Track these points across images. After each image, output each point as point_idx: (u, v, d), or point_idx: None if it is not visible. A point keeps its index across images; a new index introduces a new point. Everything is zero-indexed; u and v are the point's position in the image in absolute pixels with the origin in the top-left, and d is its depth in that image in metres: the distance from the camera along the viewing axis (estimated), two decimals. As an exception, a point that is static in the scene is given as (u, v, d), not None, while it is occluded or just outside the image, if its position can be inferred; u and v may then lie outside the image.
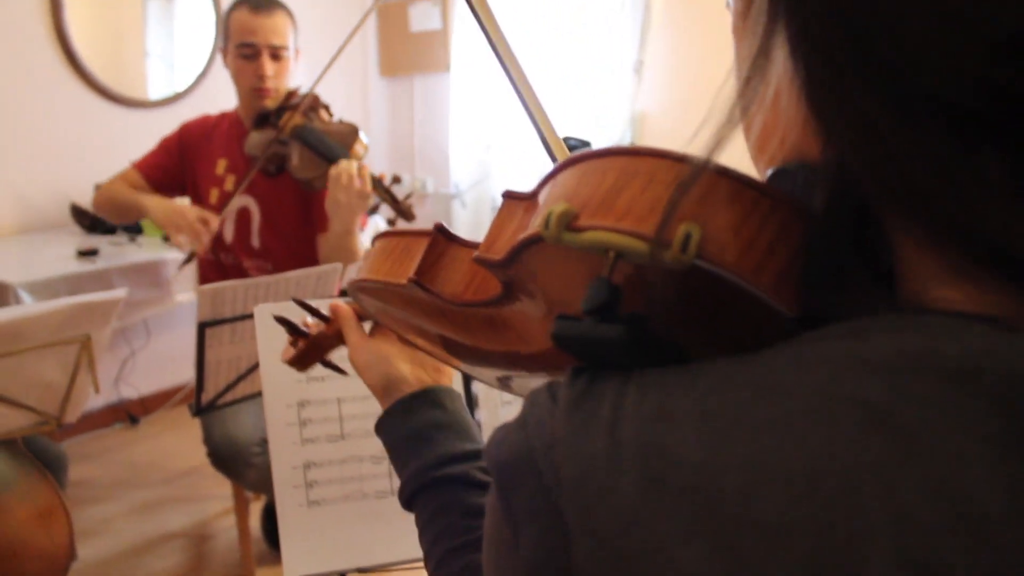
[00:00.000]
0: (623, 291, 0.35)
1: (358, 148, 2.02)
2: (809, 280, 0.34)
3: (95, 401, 3.07)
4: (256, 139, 2.04)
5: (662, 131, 3.22)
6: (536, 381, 0.58)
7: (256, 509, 2.38)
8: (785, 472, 0.29)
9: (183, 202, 2.56)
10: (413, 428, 0.73)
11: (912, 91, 0.31)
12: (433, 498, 0.70)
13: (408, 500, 0.72)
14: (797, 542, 0.28)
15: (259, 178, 2.05)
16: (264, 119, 2.08)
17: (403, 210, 1.98)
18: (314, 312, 0.88)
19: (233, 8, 2.10)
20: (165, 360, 3.23)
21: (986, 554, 0.26)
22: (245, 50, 2.06)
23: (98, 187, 2.83)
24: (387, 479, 1.13)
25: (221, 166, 2.16)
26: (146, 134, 2.56)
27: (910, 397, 0.29)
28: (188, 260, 2.20)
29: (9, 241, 2.77)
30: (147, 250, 2.64)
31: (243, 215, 2.16)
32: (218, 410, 1.82)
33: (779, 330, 0.34)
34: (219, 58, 2.21)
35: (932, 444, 0.28)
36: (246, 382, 1.78)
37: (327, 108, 2.12)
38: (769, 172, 0.41)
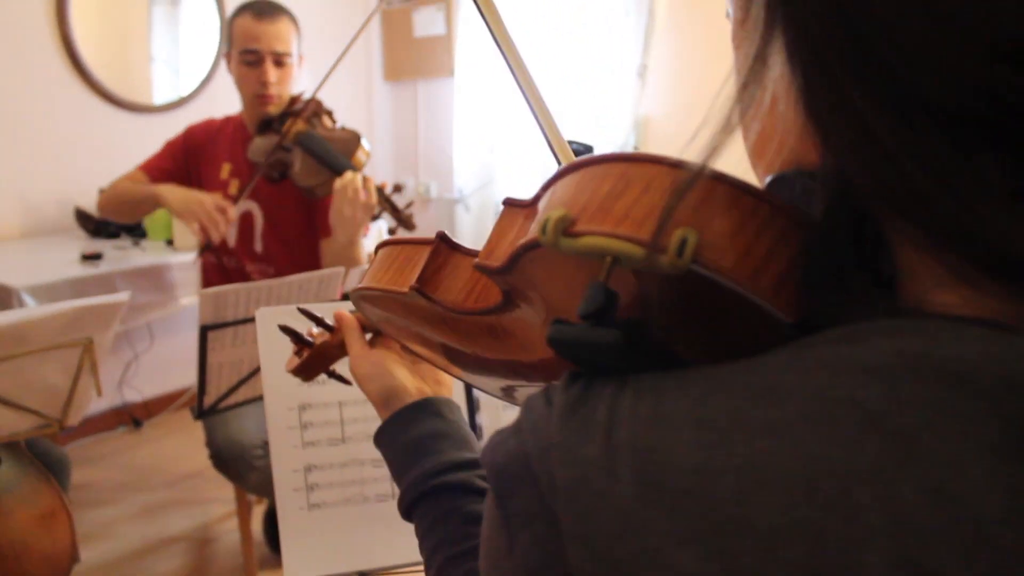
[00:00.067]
0: (621, 297, 0.35)
1: (360, 155, 2.03)
2: (808, 286, 0.34)
3: (98, 404, 3.08)
4: (259, 145, 2.05)
5: (666, 135, 3.22)
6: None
7: (258, 513, 2.38)
8: (781, 476, 0.29)
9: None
10: (412, 438, 0.73)
11: (910, 95, 0.31)
12: (433, 506, 0.70)
13: (407, 509, 0.72)
14: (793, 546, 0.28)
15: (262, 183, 2.06)
16: (267, 125, 2.08)
17: (404, 219, 1.99)
18: (318, 321, 0.88)
19: (236, 14, 2.10)
20: (168, 364, 3.23)
21: (984, 557, 0.26)
22: (248, 56, 2.06)
23: (102, 191, 2.85)
24: (388, 483, 1.13)
25: (225, 170, 2.16)
26: (151, 139, 2.56)
27: (908, 400, 0.29)
28: (204, 250, 2.19)
29: (13, 245, 2.78)
30: (151, 254, 2.65)
31: (246, 219, 2.17)
32: (220, 413, 1.82)
33: (778, 336, 0.34)
34: (223, 63, 2.21)
35: (930, 447, 0.28)
36: (248, 385, 1.78)
37: (330, 114, 2.12)
38: (768, 179, 0.41)
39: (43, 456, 1.65)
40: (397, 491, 1.13)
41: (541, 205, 0.42)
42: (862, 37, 0.32)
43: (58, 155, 2.94)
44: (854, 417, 0.29)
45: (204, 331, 1.61)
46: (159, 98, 3.27)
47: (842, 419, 0.29)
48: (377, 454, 1.13)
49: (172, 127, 2.38)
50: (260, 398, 1.78)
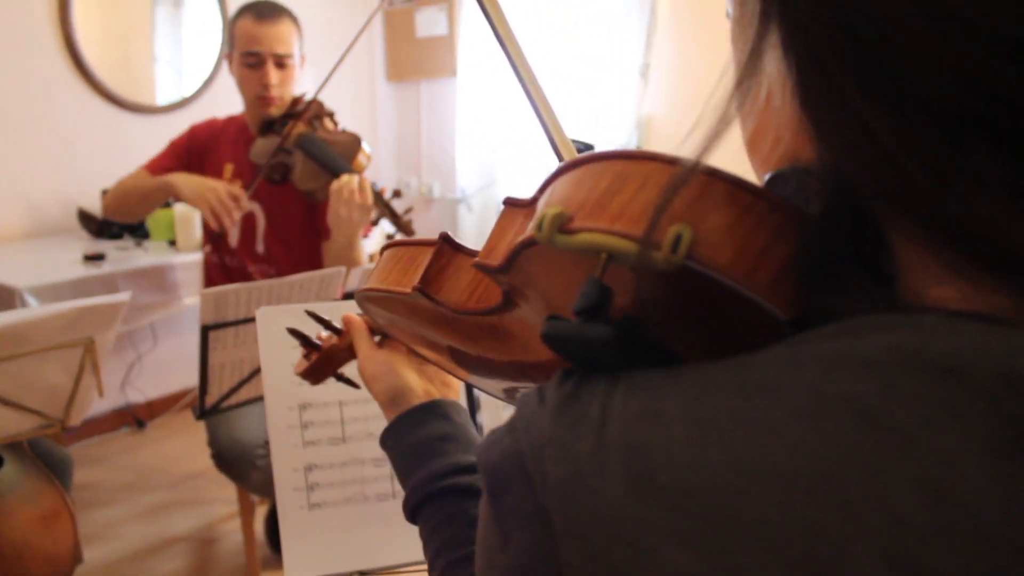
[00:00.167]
0: (617, 294, 0.35)
1: (361, 158, 2.03)
2: (806, 283, 0.34)
3: (102, 405, 3.09)
4: (261, 147, 2.05)
5: (668, 134, 3.22)
6: None
7: (261, 513, 2.39)
8: (774, 472, 0.29)
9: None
10: (418, 440, 0.73)
11: (908, 93, 0.31)
12: (438, 509, 0.70)
13: (412, 511, 0.72)
14: (786, 543, 0.28)
15: (264, 185, 2.06)
16: (269, 126, 2.09)
17: (402, 225, 1.99)
18: (326, 324, 0.88)
19: (238, 15, 2.09)
20: (171, 364, 3.24)
21: (981, 555, 0.26)
22: (249, 59, 2.06)
23: (106, 192, 2.85)
24: (388, 482, 1.13)
25: (228, 171, 2.17)
26: (153, 139, 2.57)
27: (903, 396, 0.29)
28: (215, 238, 2.18)
29: (16, 245, 2.79)
30: (153, 254, 2.65)
31: (248, 220, 2.17)
32: (222, 413, 1.82)
33: (775, 333, 0.34)
34: (225, 63, 2.21)
35: (926, 444, 0.28)
36: (250, 385, 1.78)
37: (331, 116, 2.12)
38: (767, 176, 0.41)
39: (45, 456, 1.65)
40: (397, 491, 1.14)
41: (540, 204, 0.42)
42: (859, 35, 0.32)
43: (61, 156, 2.95)
44: (849, 413, 0.29)
45: (205, 331, 1.61)
46: (162, 99, 3.27)
47: (837, 415, 0.29)
48: (377, 453, 1.14)
49: (175, 127, 2.38)
50: (262, 398, 1.78)
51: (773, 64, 0.36)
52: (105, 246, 2.69)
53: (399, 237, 2.06)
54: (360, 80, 4.07)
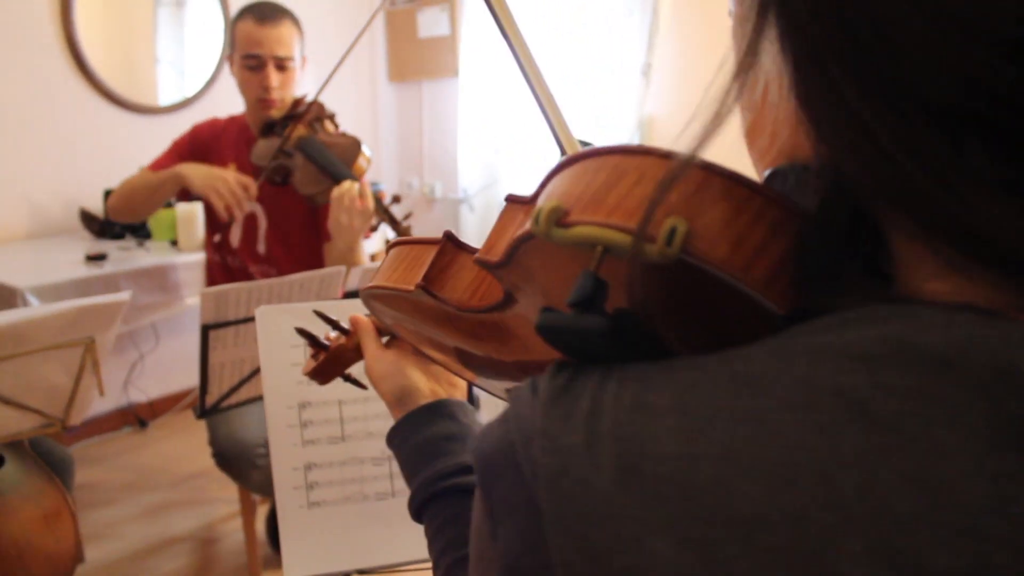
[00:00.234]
0: (613, 288, 0.35)
1: (361, 162, 2.04)
2: (803, 279, 0.34)
3: (104, 405, 3.09)
4: (262, 149, 2.05)
5: (670, 135, 3.21)
6: None
7: (262, 513, 2.39)
8: (761, 464, 0.29)
9: (197, 206, 2.58)
10: (424, 439, 0.73)
11: (905, 91, 0.31)
12: (443, 508, 0.70)
13: (418, 510, 0.72)
14: (771, 534, 0.28)
15: (266, 186, 2.06)
16: (270, 128, 2.09)
17: (402, 231, 1.99)
18: (334, 324, 0.89)
19: (239, 17, 2.09)
20: (173, 364, 3.24)
21: (968, 546, 0.26)
22: (250, 61, 2.06)
23: (108, 192, 2.86)
24: (388, 481, 1.13)
25: (230, 171, 2.17)
26: (156, 140, 2.57)
27: (895, 389, 0.29)
28: (225, 227, 2.17)
29: (19, 246, 2.79)
30: (155, 254, 2.65)
31: (250, 221, 2.17)
32: (223, 412, 1.82)
33: (771, 328, 0.34)
34: (227, 64, 2.22)
35: (913, 435, 0.28)
36: (250, 384, 1.78)
37: (332, 118, 2.12)
38: (766, 173, 0.41)
39: (46, 455, 1.65)
40: (396, 490, 1.14)
41: (540, 200, 0.42)
42: (858, 34, 0.32)
43: (63, 156, 2.95)
44: (837, 405, 0.29)
45: (205, 330, 1.61)
46: (164, 99, 3.28)
47: (825, 407, 0.29)
48: (377, 453, 1.14)
49: (177, 128, 2.38)
50: (262, 397, 1.79)
51: (770, 60, 0.36)
52: (107, 246, 2.70)
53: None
54: (362, 80, 4.08)
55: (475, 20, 3.65)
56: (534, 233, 0.38)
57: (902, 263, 0.35)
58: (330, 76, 2.01)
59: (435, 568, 0.70)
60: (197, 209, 2.62)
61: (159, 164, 2.21)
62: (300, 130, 2.02)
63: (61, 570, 1.60)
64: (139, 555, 2.38)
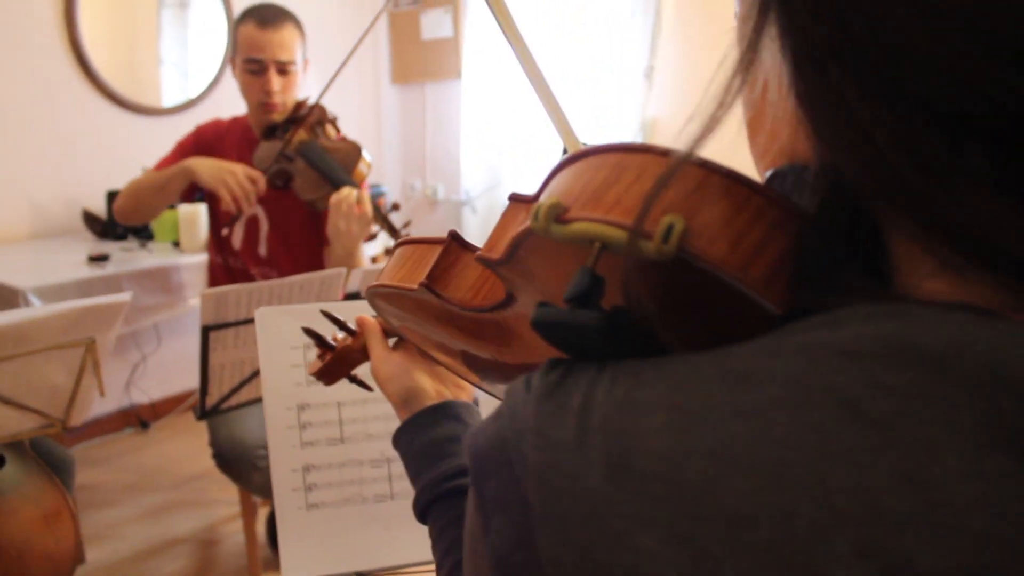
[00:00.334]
0: (611, 285, 0.35)
1: (361, 167, 2.04)
2: (801, 279, 0.34)
3: (106, 406, 3.10)
4: (263, 152, 2.06)
5: (673, 137, 3.20)
6: None
7: (262, 515, 2.39)
8: (751, 461, 0.29)
9: (200, 207, 2.58)
10: (430, 440, 0.74)
11: (904, 93, 0.31)
12: (446, 510, 0.70)
13: (422, 511, 0.73)
14: (759, 532, 0.28)
15: (268, 189, 2.06)
16: (272, 132, 2.09)
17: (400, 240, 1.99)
18: (340, 325, 0.89)
19: (241, 20, 2.08)
20: (175, 365, 3.25)
21: (957, 545, 0.26)
22: (252, 65, 2.05)
23: (111, 193, 2.86)
24: (386, 483, 1.13)
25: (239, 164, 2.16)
26: (159, 141, 2.58)
27: (886, 387, 0.28)
28: (233, 220, 2.16)
29: (21, 246, 2.80)
30: (157, 255, 2.66)
31: (252, 223, 2.17)
32: (224, 414, 1.82)
33: (769, 328, 0.34)
34: (230, 66, 2.22)
35: (905, 433, 0.28)
36: (251, 386, 1.78)
37: (333, 122, 2.12)
38: (768, 173, 0.41)
39: (47, 456, 1.66)
40: (395, 492, 1.13)
41: (541, 197, 0.42)
42: (856, 35, 0.32)
43: (66, 157, 2.96)
44: (829, 402, 0.29)
45: (206, 331, 1.61)
46: (167, 100, 3.29)
47: (817, 404, 0.29)
48: (376, 455, 1.14)
49: (180, 129, 2.39)
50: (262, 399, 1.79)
51: (770, 58, 0.36)
52: (109, 247, 2.70)
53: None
54: (365, 82, 4.08)
55: (478, 22, 3.65)
56: (534, 229, 0.38)
57: (901, 263, 0.34)
58: (332, 79, 2.02)
59: (439, 569, 0.70)
60: (200, 210, 2.62)
61: (164, 165, 2.21)
62: (301, 134, 2.03)
63: (61, 570, 1.60)
64: (140, 556, 2.38)
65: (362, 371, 0.89)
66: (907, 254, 0.34)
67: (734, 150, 0.41)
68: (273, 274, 2.17)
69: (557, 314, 0.36)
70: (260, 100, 2.08)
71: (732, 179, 0.35)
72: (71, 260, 2.51)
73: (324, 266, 2.11)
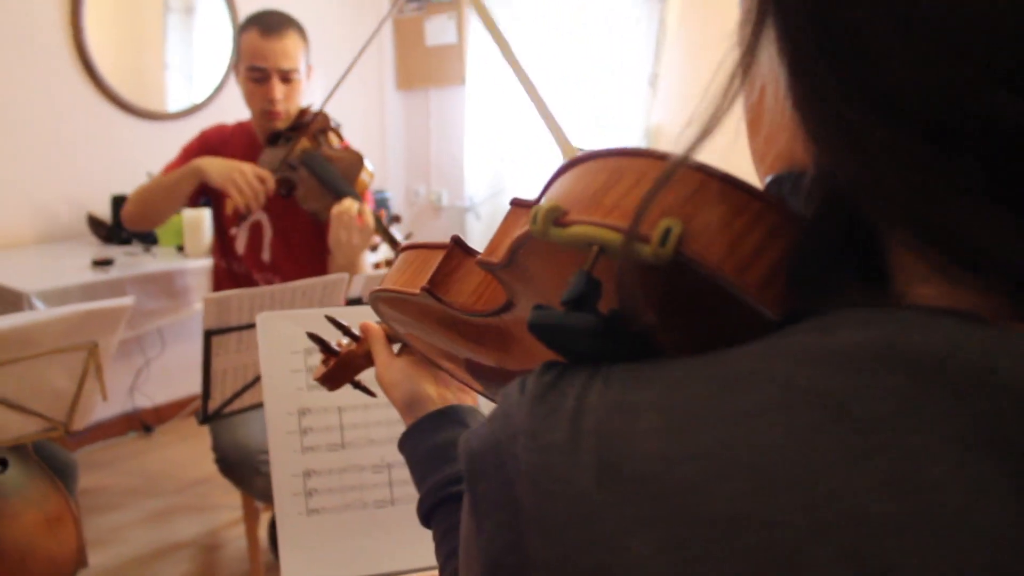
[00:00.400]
0: (609, 288, 0.35)
1: (364, 177, 2.04)
2: (798, 283, 0.34)
3: (109, 410, 3.10)
4: (267, 159, 2.06)
5: (677, 144, 3.22)
6: None
7: (265, 520, 2.39)
8: (738, 465, 0.29)
9: (204, 212, 2.59)
10: (434, 444, 0.74)
11: (892, 102, 0.31)
12: (450, 514, 0.70)
13: (426, 516, 0.73)
14: (744, 536, 0.28)
15: (272, 196, 2.06)
16: (275, 139, 2.10)
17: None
18: (345, 331, 0.89)
19: (244, 28, 2.08)
20: (179, 370, 3.25)
21: (943, 552, 0.26)
22: (255, 73, 2.05)
23: (116, 198, 2.87)
24: (387, 489, 1.13)
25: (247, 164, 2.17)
26: (164, 145, 2.58)
27: (874, 392, 0.29)
28: (242, 219, 2.17)
29: (27, 250, 2.81)
30: (161, 260, 2.67)
31: (256, 229, 2.18)
32: (227, 418, 1.83)
33: (765, 332, 0.34)
34: (234, 73, 2.22)
35: (891, 440, 0.28)
36: (254, 391, 1.79)
37: (336, 131, 2.12)
38: (768, 179, 0.42)
39: (50, 460, 1.66)
40: (396, 498, 1.13)
41: (541, 201, 0.43)
42: (846, 44, 0.32)
43: (71, 161, 2.97)
44: (815, 408, 0.29)
45: (208, 336, 1.61)
46: (172, 105, 3.30)
47: (803, 410, 0.29)
48: (376, 460, 1.13)
49: (185, 134, 2.39)
50: (265, 403, 1.79)
51: (768, 62, 0.37)
52: (114, 251, 2.71)
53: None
54: (370, 88, 4.09)
55: (482, 29, 3.66)
56: (532, 233, 0.38)
57: (896, 268, 0.34)
58: (335, 87, 2.02)
59: (441, 572, 0.70)
60: (204, 215, 2.63)
61: (171, 169, 2.21)
62: (304, 143, 2.03)
63: (63, 574, 1.60)
64: (143, 560, 2.38)
65: (366, 377, 0.89)
66: (902, 259, 0.34)
67: (735, 154, 0.41)
68: (276, 280, 2.17)
69: (553, 317, 0.36)
70: (263, 108, 2.08)
71: (730, 183, 0.35)
72: (75, 264, 2.52)
73: (327, 273, 2.12)
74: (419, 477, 0.74)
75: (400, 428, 0.79)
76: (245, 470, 1.92)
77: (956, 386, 0.28)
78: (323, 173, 2.00)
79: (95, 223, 2.91)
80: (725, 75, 0.36)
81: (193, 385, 3.26)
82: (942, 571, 0.26)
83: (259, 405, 1.84)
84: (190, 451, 3.05)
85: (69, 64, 2.94)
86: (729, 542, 0.28)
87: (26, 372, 1.38)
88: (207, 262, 2.55)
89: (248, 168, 1.99)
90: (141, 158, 3.01)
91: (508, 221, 0.49)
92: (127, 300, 1.47)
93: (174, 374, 3.26)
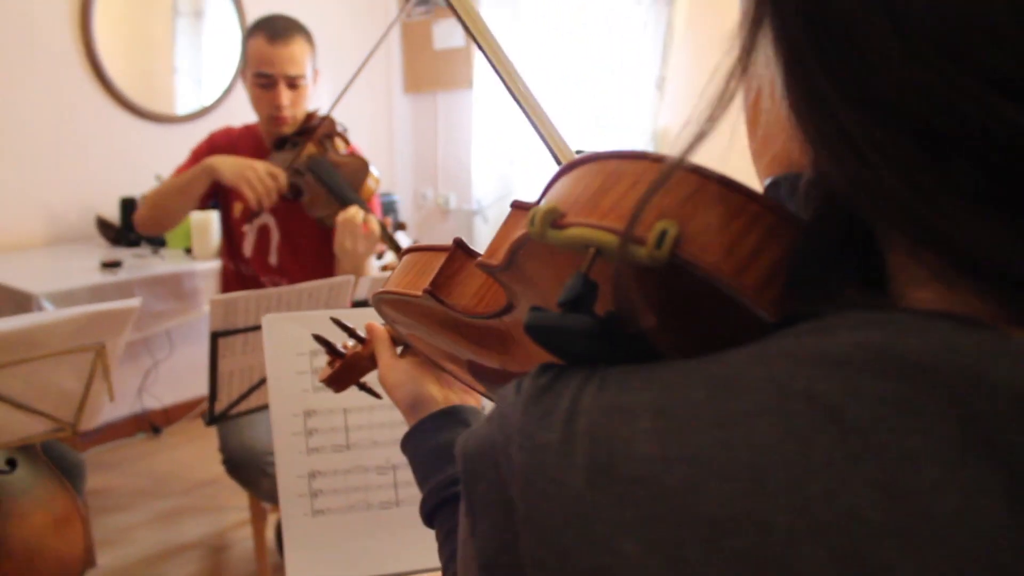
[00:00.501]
0: (606, 290, 0.35)
1: (369, 183, 2.05)
2: (796, 286, 0.34)
3: (118, 411, 3.12)
4: (274, 163, 2.07)
5: (695, 149, 3.21)
6: None
7: (272, 521, 2.39)
8: (731, 467, 0.29)
9: (212, 214, 2.60)
10: (437, 444, 0.74)
11: (887, 107, 0.31)
12: (452, 514, 0.70)
13: (429, 516, 0.73)
14: (737, 539, 0.28)
15: (279, 199, 2.07)
16: (282, 144, 2.11)
17: None
18: (350, 332, 0.90)
19: (251, 33, 2.09)
20: (187, 371, 3.26)
21: (937, 556, 0.26)
22: (261, 80, 2.06)
23: (125, 200, 2.89)
24: (392, 490, 1.13)
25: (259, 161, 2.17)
26: (173, 148, 2.59)
27: (866, 395, 0.28)
28: (254, 216, 2.17)
29: (36, 252, 2.83)
30: (169, 262, 2.68)
31: (263, 232, 2.19)
32: (234, 419, 1.83)
33: (762, 335, 0.34)
34: (241, 78, 2.23)
35: (885, 443, 0.28)
36: (260, 392, 1.79)
37: (343, 135, 2.13)
38: (767, 181, 0.42)
39: (59, 460, 1.67)
40: (401, 499, 1.14)
41: (540, 204, 0.43)
42: (841, 47, 0.32)
43: (81, 164, 2.99)
44: (811, 410, 0.29)
45: (215, 337, 1.62)
46: (181, 108, 3.31)
47: (798, 412, 0.29)
48: (381, 461, 1.14)
49: (193, 137, 2.40)
50: (272, 405, 1.79)
51: (765, 64, 0.36)
52: (122, 253, 2.72)
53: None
54: (378, 91, 4.10)
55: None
56: (530, 235, 0.38)
57: (894, 271, 0.34)
58: (342, 93, 2.03)
59: (444, 573, 0.70)
60: (212, 217, 2.64)
61: (181, 172, 2.22)
62: (310, 148, 2.04)
63: (71, 574, 1.61)
64: (150, 561, 2.39)
65: (371, 378, 0.89)
66: (899, 263, 0.34)
67: (733, 156, 0.41)
68: (283, 282, 2.18)
69: (549, 318, 0.36)
70: (270, 113, 2.09)
71: (727, 186, 0.35)
72: (84, 266, 2.53)
73: (334, 275, 2.12)
74: (421, 477, 0.74)
75: (405, 430, 0.79)
76: (252, 471, 1.92)
77: (950, 390, 0.28)
78: (329, 180, 2.00)
79: (104, 225, 2.92)
80: (722, 77, 0.37)
81: (201, 387, 3.25)
82: (938, 574, 0.26)
83: (266, 407, 1.84)
84: (198, 452, 3.06)
85: (79, 68, 2.96)
86: (722, 544, 0.28)
87: (34, 373, 1.39)
88: (215, 264, 2.56)
89: (260, 165, 2.00)
90: (150, 161, 3.02)
91: (508, 223, 0.49)
92: (134, 302, 1.48)
93: (182, 376, 3.27)
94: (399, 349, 0.84)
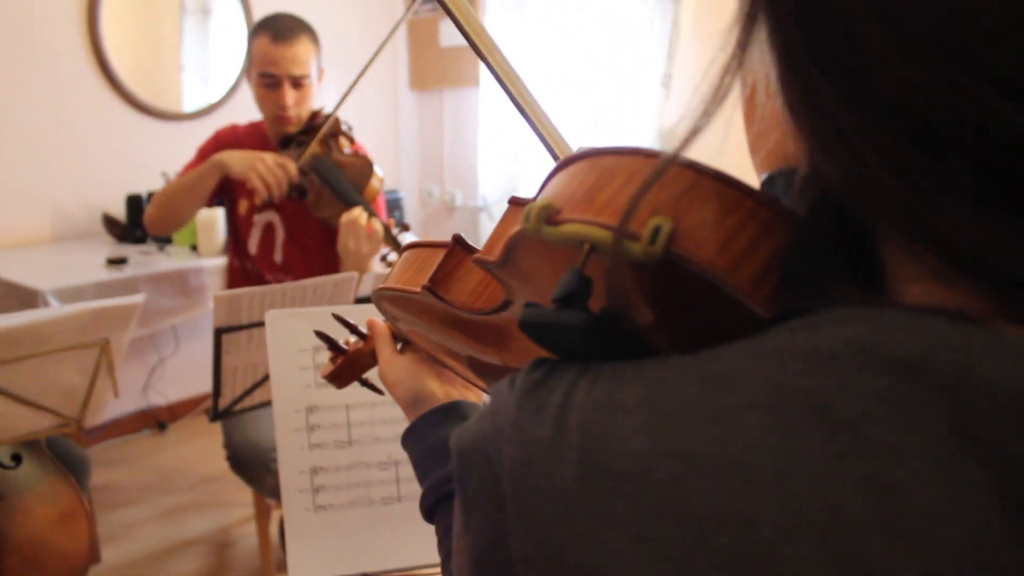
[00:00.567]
0: (601, 286, 0.35)
1: (374, 183, 2.05)
2: (790, 282, 0.34)
3: (124, 407, 3.13)
4: None
5: (691, 146, 3.21)
6: None
7: (276, 517, 2.40)
8: (719, 463, 0.29)
9: (218, 211, 2.60)
10: (437, 440, 0.74)
11: (882, 104, 0.31)
12: (451, 510, 0.70)
13: (429, 511, 0.73)
14: (724, 534, 0.28)
15: (284, 198, 2.07)
16: (287, 142, 2.11)
17: None
18: (352, 329, 0.90)
19: (255, 33, 2.08)
20: (193, 368, 3.27)
21: (923, 553, 0.26)
22: (266, 79, 2.06)
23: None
24: (394, 486, 1.14)
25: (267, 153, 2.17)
26: (179, 146, 2.60)
27: (857, 391, 0.28)
28: (264, 207, 2.17)
29: (43, 249, 2.84)
30: (175, 259, 2.68)
31: (268, 229, 2.19)
32: (238, 415, 1.84)
33: (757, 331, 0.34)
34: (246, 77, 2.23)
35: (872, 439, 0.27)
36: (264, 388, 1.79)
37: (347, 134, 2.13)
38: (763, 177, 0.42)
39: (64, 456, 1.68)
40: (403, 495, 1.14)
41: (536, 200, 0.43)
42: (837, 43, 0.32)
43: (87, 161, 3.00)
44: (800, 406, 0.29)
45: (219, 334, 1.62)
46: (188, 106, 3.32)
47: (788, 408, 0.29)
48: (383, 457, 1.14)
49: (200, 134, 2.41)
50: (276, 401, 1.79)
51: (760, 60, 0.36)
52: (128, 250, 2.73)
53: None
54: (384, 89, 4.10)
55: (496, 30, 3.66)
56: (525, 231, 0.38)
57: (890, 266, 0.34)
58: (348, 91, 2.03)
59: (443, 568, 0.70)
60: (217, 214, 2.64)
61: (189, 170, 2.22)
62: (315, 147, 2.04)
63: (76, 569, 1.62)
64: (155, 556, 2.40)
65: (374, 375, 0.90)
66: (894, 258, 0.34)
67: (728, 152, 0.41)
68: (288, 279, 2.18)
69: (543, 314, 0.36)
70: (274, 113, 2.09)
71: (722, 182, 0.35)
72: (90, 263, 2.54)
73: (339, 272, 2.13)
74: (422, 473, 0.74)
75: (406, 426, 0.79)
76: (256, 467, 1.93)
77: (937, 387, 0.28)
78: (333, 180, 2.01)
79: (110, 222, 2.93)
80: (717, 72, 0.36)
81: (207, 383, 3.26)
82: (925, 571, 0.26)
83: (269, 403, 1.84)
84: (203, 448, 3.07)
85: (86, 65, 2.97)
86: (709, 539, 0.28)
87: (39, 368, 1.40)
88: (221, 261, 2.56)
89: (269, 156, 2.00)
90: (156, 158, 3.03)
91: (505, 220, 0.49)
92: (138, 298, 1.48)
93: (188, 372, 3.28)
94: (400, 345, 0.84)
